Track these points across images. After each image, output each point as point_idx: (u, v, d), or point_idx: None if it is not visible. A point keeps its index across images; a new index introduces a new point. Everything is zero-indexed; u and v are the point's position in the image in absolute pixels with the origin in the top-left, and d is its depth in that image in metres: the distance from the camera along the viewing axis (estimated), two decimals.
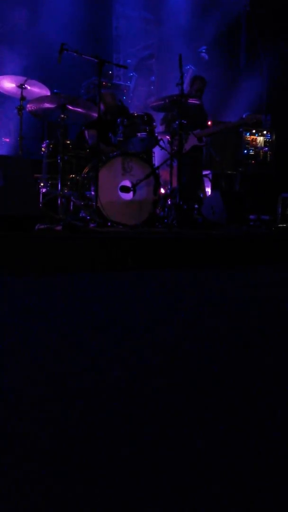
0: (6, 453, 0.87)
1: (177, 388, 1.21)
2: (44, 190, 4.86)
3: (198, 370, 1.35)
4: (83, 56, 4.45)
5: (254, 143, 6.89)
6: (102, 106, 5.33)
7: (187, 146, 5.31)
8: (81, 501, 0.73)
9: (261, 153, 6.92)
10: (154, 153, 5.43)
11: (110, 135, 5.15)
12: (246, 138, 6.88)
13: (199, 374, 1.31)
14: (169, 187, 5.25)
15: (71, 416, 1.03)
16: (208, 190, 6.37)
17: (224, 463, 0.86)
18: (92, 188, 4.59)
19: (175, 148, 5.22)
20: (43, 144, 5.08)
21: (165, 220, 5.02)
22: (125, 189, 4.65)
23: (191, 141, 5.33)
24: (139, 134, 4.95)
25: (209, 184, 6.37)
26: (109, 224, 4.46)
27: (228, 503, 0.74)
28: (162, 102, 5.25)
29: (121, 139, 4.98)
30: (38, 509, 0.72)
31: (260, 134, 6.94)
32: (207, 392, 1.19)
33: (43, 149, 5.05)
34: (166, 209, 5.08)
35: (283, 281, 3.38)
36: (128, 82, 9.13)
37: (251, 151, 6.87)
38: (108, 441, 0.92)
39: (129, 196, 4.68)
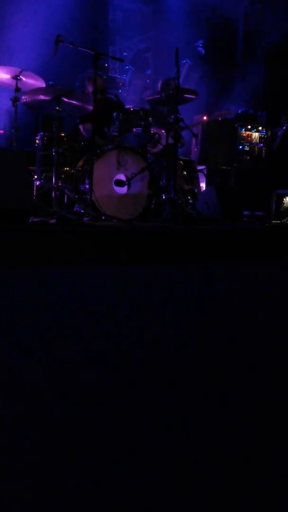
0: None
1: (171, 382, 1.21)
2: (38, 183, 4.83)
3: (192, 365, 1.34)
4: (79, 48, 4.42)
5: (249, 139, 6.89)
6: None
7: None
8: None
9: (256, 149, 6.92)
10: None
11: (105, 129, 5.12)
12: (241, 134, 6.87)
13: (194, 370, 1.31)
14: (163, 181, 5.23)
15: (65, 406, 1.03)
16: (203, 185, 6.36)
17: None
18: (87, 182, 4.57)
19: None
20: (37, 136, 5.03)
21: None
22: (119, 183, 4.63)
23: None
24: (134, 129, 4.92)
25: (204, 179, 6.35)
26: (103, 218, 4.44)
27: None
28: (158, 96, 5.22)
29: (116, 134, 4.95)
30: None
31: (255, 130, 6.93)
32: (201, 386, 1.19)
33: (37, 141, 5.00)
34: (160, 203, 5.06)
35: (274, 276, 3.38)
36: (124, 75, 9.07)
37: (246, 147, 6.86)
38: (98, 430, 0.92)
39: (123, 190, 4.66)
